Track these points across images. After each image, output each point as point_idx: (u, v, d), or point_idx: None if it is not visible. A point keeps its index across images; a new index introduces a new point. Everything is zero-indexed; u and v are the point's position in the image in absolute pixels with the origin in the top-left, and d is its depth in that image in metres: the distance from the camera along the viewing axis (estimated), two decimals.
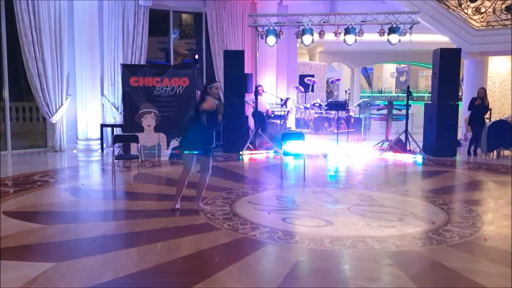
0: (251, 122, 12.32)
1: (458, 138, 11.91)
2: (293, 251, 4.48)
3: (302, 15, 10.95)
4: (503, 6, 11.93)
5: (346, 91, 15.28)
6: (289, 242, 4.71)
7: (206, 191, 6.83)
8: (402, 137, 10.72)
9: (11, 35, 10.50)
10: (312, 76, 13.73)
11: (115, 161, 7.96)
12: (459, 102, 11.25)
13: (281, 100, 12.68)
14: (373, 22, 10.61)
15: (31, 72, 10.37)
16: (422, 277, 3.91)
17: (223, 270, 3.89)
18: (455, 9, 12.32)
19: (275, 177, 8.16)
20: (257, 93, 11.29)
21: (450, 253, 4.45)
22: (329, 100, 14.39)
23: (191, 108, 10.04)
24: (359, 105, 14.76)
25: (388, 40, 10.61)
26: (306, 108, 13.33)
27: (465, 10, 12.34)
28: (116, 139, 8.42)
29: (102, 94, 11.59)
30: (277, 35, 10.96)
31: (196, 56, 15.35)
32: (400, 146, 10.57)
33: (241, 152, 10.46)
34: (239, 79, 11.03)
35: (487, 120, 11.29)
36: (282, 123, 12.60)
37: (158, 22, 13.77)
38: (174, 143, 10.02)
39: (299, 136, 8.19)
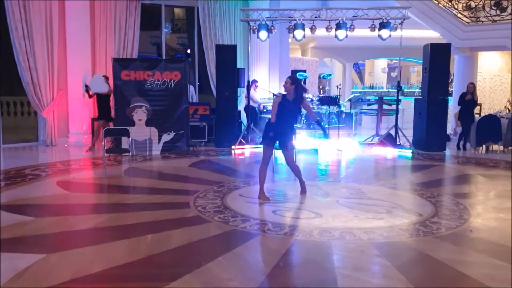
0: (243, 116, 12.37)
1: (448, 133, 12.03)
2: (283, 242, 4.53)
3: (294, 10, 11.00)
4: (492, 2, 12.04)
5: (337, 87, 15.34)
6: (279, 233, 4.77)
7: (198, 185, 6.91)
8: (392, 132, 10.81)
9: (1, 29, 10.45)
10: (304, 71, 13.76)
11: (106, 155, 7.98)
12: (449, 97, 11.36)
13: (273, 95, 12.72)
14: (364, 17, 10.67)
15: (22, 66, 10.33)
16: (408, 267, 3.98)
17: (213, 261, 3.93)
18: (445, 4, 12.41)
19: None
20: (249, 88, 11.33)
21: (436, 244, 4.53)
22: (321, 95, 14.44)
23: (182, 102, 10.18)
24: (350, 100, 14.84)
25: (379, 35, 10.67)
26: None
27: (455, 6, 12.44)
28: (107, 133, 8.42)
29: None
30: (269, 30, 11.00)
31: (188, 51, 15.35)
32: (390, 140, 10.66)
33: (233, 147, 10.50)
34: (231, 74, 11.05)
35: (476, 115, 11.41)
36: None
37: (150, 16, 13.73)
38: (166, 137, 10.04)
39: None
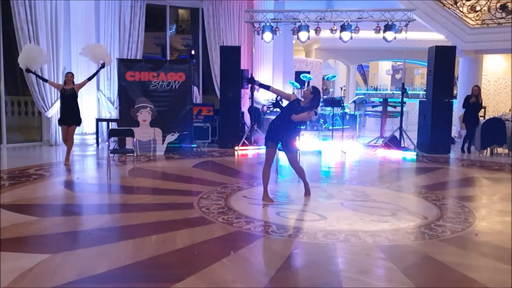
0: (246, 118, 12.36)
1: (452, 136, 12.00)
2: (287, 244, 4.51)
3: (299, 12, 11.00)
4: (498, 4, 12.01)
5: (341, 88, 15.31)
6: (283, 235, 4.75)
7: (202, 185, 6.90)
8: (397, 134, 10.79)
9: (7, 29, 10.49)
10: (308, 72, 13.74)
11: (111, 155, 7.99)
12: (454, 100, 11.33)
13: (277, 96, 12.69)
14: (369, 19, 10.68)
15: None
16: (414, 271, 3.96)
17: (217, 262, 3.92)
18: (450, 7, 12.38)
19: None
20: (253, 89, 11.33)
21: (441, 247, 4.50)
22: (325, 97, 14.42)
23: (186, 103, 10.19)
24: (354, 102, 14.82)
25: (383, 37, 10.69)
26: None
27: (461, 8, 12.41)
28: (111, 133, 8.44)
29: (98, 88, 11.60)
30: (274, 31, 11.02)
31: (193, 52, 15.37)
32: (394, 142, 10.64)
33: (236, 148, 10.50)
34: (235, 75, 11.06)
35: (481, 118, 11.38)
36: None
37: (154, 17, 13.77)
38: (170, 137, 10.05)
39: None
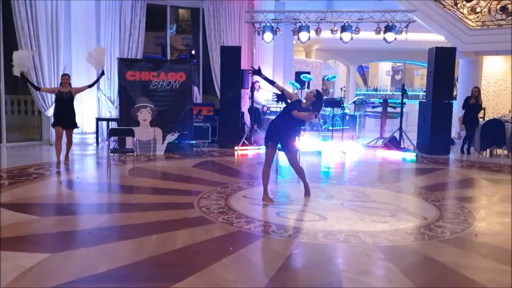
0: (246, 118, 12.36)
1: (452, 137, 12.01)
2: (287, 245, 4.52)
3: (299, 12, 11.01)
4: (498, 6, 12.02)
5: (341, 89, 15.32)
6: (283, 235, 4.76)
7: (202, 185, 6.91)
8: (396, 135, 10.80)
9: (7, 28, 10.49)
10: (308, 73, 13.75)
11: (110, 154, 7.99)
12: (454, 101, 11.34)
13: (277, 96, 12.68)
14: (370, 20, 10.69)
15: None
16: (413, 271, 3.96)
17: (217, 262, 3.93)
18: (451, 8, 12.39)
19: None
20: (253, 89, 11.33)
21: (441, 248, 4.51)
22: (325, 97, 14.43)
23: (187, 103, 10.19)
24: (354, 102, 14.83)
25: (384, 38, 10.70)
26: None
27: (461, 10, 12.42)
28: (111, 133, 8.44)
29: (98, 88, 11.58)
30: (274, 32, 11.03)
31: (193, 52, 15.38)
32: (394, 143, 10.65)
33: (236, 148, 10.50)
34: (235, 75, 11.07)
35: (480, 119, 11.39)
36: None
37: (155, 17, 13.77)
38: (170, 137, 10.06)
39: None
